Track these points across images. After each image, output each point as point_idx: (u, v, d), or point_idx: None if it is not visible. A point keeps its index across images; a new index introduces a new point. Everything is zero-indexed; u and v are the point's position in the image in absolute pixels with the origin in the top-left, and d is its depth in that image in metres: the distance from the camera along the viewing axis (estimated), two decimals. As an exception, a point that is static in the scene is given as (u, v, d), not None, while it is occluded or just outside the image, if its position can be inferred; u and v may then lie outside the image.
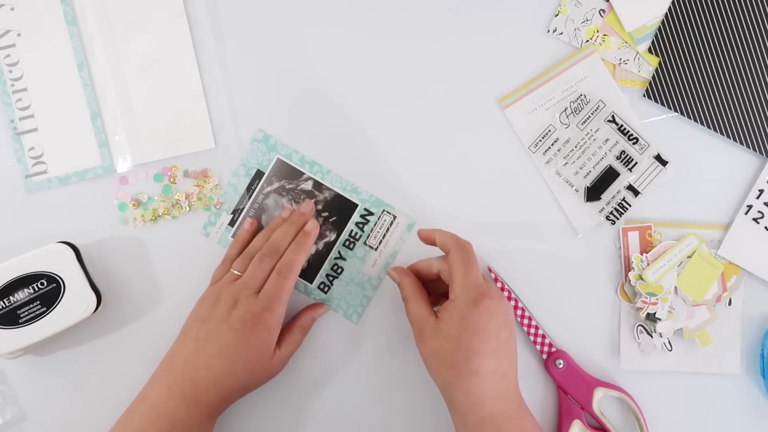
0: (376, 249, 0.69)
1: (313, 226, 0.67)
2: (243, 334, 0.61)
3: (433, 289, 0.65)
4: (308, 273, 0.69)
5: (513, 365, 0.61)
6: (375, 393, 0.69)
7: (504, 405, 0.59)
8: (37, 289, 0.64)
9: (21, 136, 0.68)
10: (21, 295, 0.63)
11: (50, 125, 0.68)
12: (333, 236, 0.69)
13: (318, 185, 0.69)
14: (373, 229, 0.69)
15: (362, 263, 0.69)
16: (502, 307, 0.60)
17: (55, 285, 0.64)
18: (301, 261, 0.65)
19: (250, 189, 0.69)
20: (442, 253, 0.64)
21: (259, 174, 0.69)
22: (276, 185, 0.69)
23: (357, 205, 0.69)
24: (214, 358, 0.61)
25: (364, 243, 0.69)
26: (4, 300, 0.63)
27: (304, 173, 0.69)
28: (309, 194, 0.69)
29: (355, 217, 0.69)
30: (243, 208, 0.69)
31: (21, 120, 0.68)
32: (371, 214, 0.69)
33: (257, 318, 0.62)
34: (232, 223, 0.69)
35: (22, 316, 0.63)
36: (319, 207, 0.69)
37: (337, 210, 0.69)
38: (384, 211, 0.69)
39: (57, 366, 0.68)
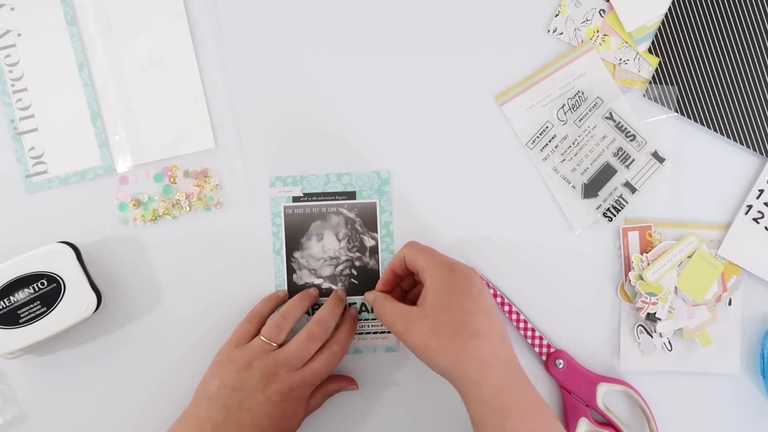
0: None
1: (356, 311, 0.68)
2: (280, 407, 0.61)
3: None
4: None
5: (505, 329, 0.59)
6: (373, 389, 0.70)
7: (513, 374, 0.57)
8: (37, 289, 0.64)
9: (21, 136, 0.68)
10: (21, 295, 0.63)
11: (50, 125, 0.68)
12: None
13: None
14: None
15: None
16: (474, 273, 0.60)
17: (55, 285, 0.64)
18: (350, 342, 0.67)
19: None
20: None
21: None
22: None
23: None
24: (246, 428, 0.60)
25: None
26: (4, 300, 0.63)
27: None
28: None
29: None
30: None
31: (21, 120, 0.68)
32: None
33: (297, 391, 0.62)
34: None
35: (22, 316, 0.63)
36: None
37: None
38: None
39: (57, 366, 0.68)
